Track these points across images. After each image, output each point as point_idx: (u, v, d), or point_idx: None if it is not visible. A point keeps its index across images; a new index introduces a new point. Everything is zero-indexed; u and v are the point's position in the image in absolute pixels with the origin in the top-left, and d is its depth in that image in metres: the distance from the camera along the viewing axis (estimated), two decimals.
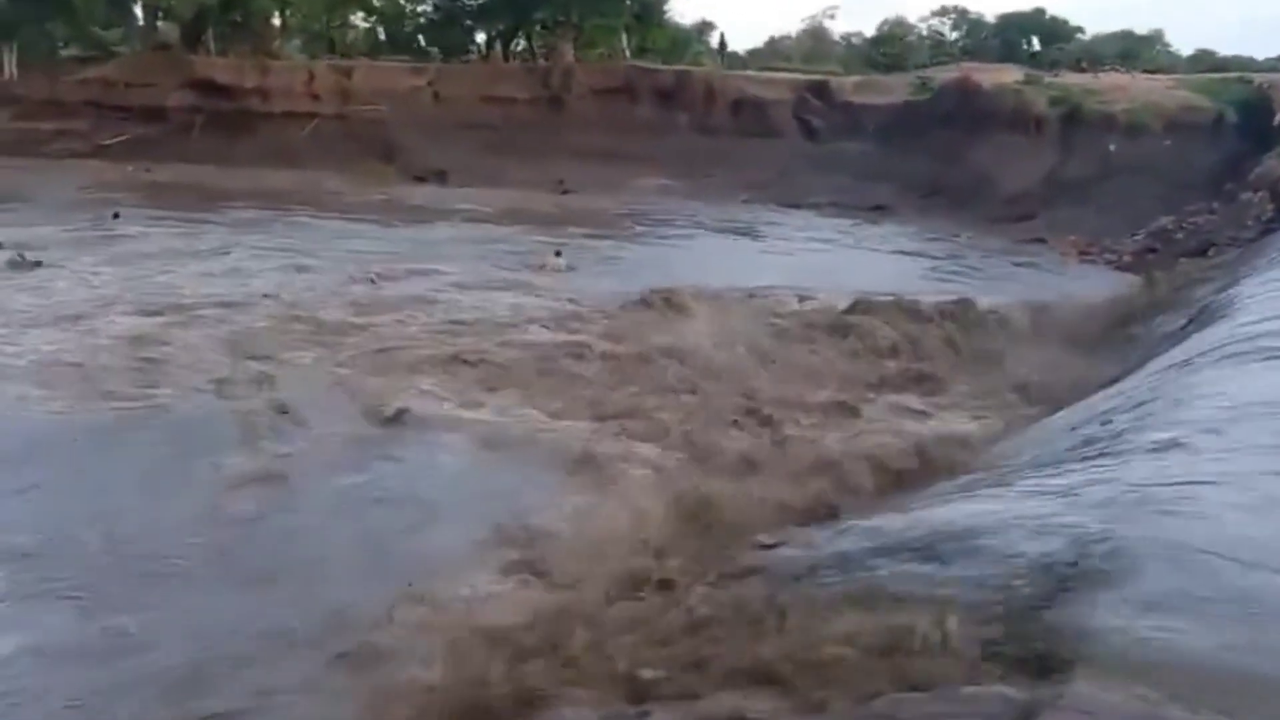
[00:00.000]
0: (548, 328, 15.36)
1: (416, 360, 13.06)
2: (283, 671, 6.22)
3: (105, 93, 41.03)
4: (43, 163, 35.68)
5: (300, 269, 19.47)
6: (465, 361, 13.05)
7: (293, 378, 12.13)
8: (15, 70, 42.53)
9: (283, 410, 10.91)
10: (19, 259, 18.68)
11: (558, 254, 22.11)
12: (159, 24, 47.55)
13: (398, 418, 10.85)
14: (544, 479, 9.42)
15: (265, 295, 16.65)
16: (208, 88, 41.25)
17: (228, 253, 21.05)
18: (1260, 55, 53.71)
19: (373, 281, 18.61)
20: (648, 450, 10.15)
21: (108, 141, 39.39)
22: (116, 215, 25.55)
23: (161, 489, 8.87)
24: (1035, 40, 58.91)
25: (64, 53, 47.62)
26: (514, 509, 8.53)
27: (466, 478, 9.53)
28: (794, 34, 66.18)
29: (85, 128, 39.99)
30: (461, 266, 20.39)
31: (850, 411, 11.74)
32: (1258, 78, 37.52)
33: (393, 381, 12.11)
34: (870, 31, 63.38)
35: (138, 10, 46.96)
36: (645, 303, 16.61)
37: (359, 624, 6.65)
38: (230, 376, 12.00)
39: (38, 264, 18.57)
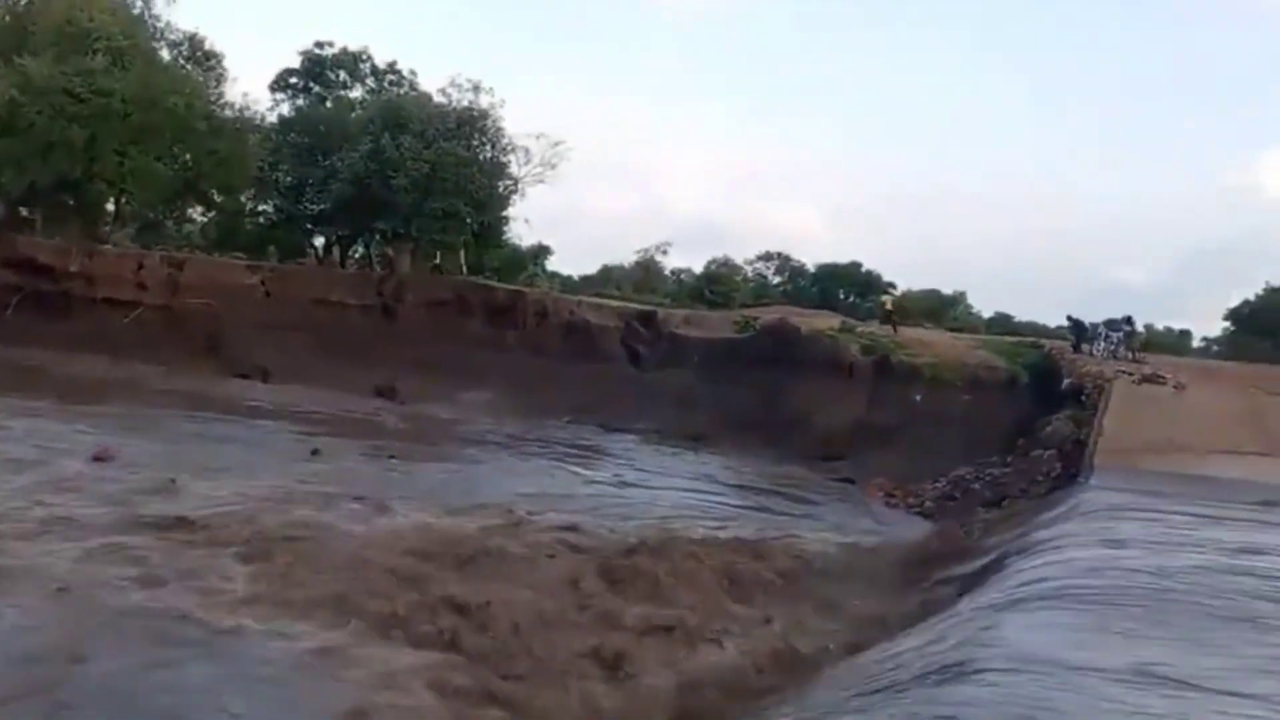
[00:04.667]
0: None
1: None
2: None
3: None
4: None
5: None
6: None
7: None
8: None
9: None
10: None
11: (315, 451, 22.95)
12: None
13: None
14: None
15: None
16: (29, 267, 39.35)
17: None
18: (1051, 323, 58.54)
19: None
20: None
21: None
22: None
23: None
24: (851, 293, 62.85)
25: None
26: None
27: None
28: (627, 264, 68.93)
29: None
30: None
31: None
32: (1047, 343, 40.69)
33: None
34: (699, 268, 66.63)
35: None
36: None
37: None
38: None
39: None
